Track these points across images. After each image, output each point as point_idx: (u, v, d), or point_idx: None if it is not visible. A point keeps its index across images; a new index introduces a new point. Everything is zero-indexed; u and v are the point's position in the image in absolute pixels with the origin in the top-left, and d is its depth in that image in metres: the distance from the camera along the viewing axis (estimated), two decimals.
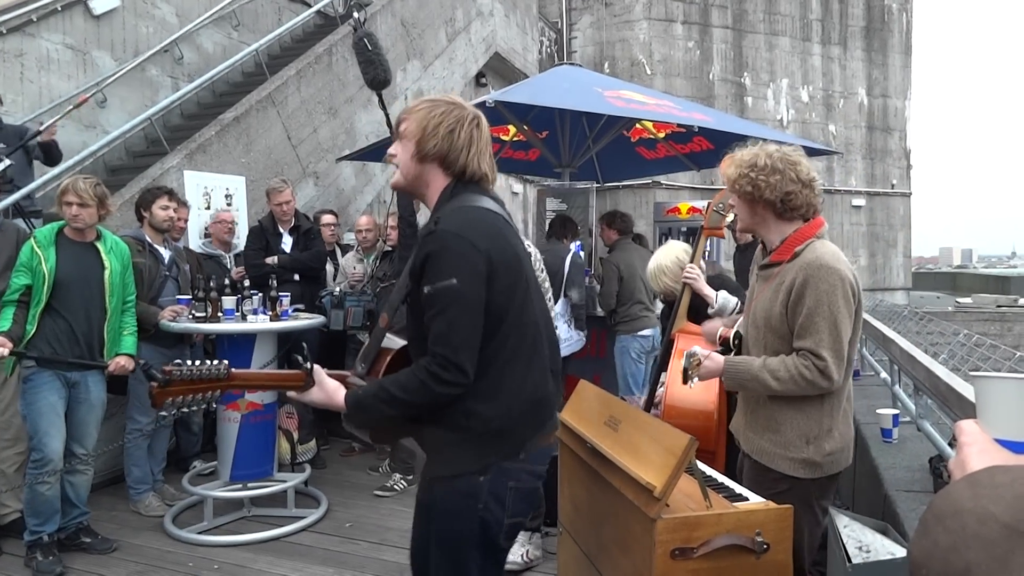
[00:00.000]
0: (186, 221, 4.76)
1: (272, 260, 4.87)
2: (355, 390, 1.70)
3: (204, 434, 4.88)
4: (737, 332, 2.30)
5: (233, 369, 1.66)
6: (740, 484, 2.22)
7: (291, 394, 1.75)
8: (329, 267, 5.51)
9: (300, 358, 1.72)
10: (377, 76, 4.17)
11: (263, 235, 5.00)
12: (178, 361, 1.60)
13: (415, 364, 1.63)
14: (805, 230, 2.06)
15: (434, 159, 1.72)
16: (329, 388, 1.73)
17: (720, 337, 2.37)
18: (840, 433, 2.04)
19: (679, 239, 6.34)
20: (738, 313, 3.04)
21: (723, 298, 3.04)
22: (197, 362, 1.60)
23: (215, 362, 1.63)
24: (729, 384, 2.16)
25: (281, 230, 5.05)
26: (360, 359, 1.83)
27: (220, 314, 3.87)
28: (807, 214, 2.08)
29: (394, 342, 1.84)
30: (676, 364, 2.90)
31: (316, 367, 1.73)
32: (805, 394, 1.99)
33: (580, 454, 2.25)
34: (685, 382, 2.25)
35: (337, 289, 5.00)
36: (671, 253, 3.32)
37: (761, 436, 2.10)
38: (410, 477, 4.49)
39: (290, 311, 4.14)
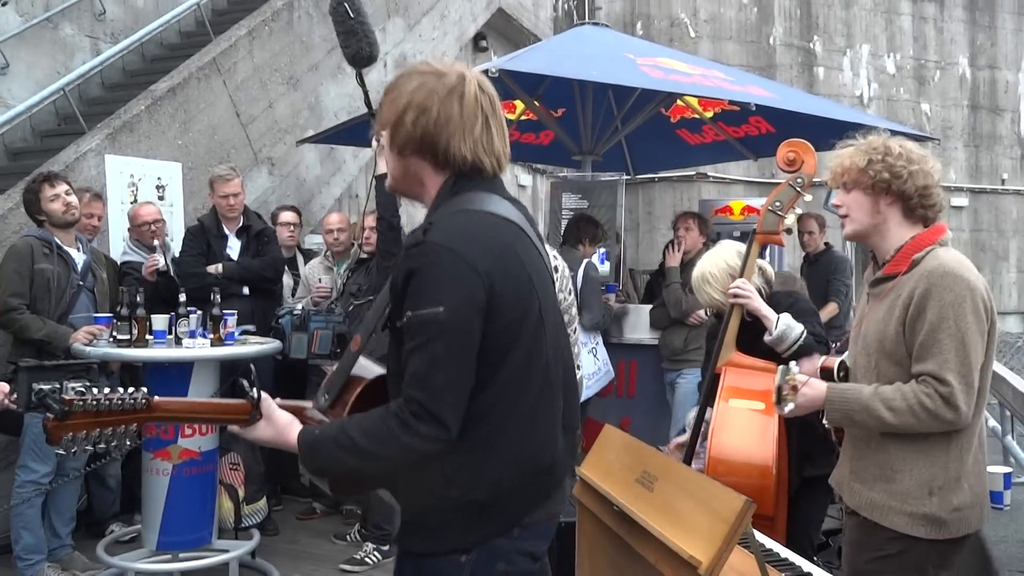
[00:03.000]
0: (100, 219, 4.78)
1: (215, 269, 4.89)
2: (311, 429, 1.69)
3: (124, 489, 4.88)
4: (842, 362, 2.36)
5: (157, 398, 1.66)
6: (809, 558, 2.22)
7: (234, 428, 1.76)
8: (287, 279, 5.53)
9: (246, 383, 1.72)
10: (361, 51, 4.11)
11: (204, 237, 5.02)
12: (81, 388, 1.59)
13: (387, 406, 1.60)
14: (925, 236, 2.16)
15: (413, 151, 1.70)
16: (280, 423, 1.72)
17: (821, 367, 2.42)
18: (970, 485, 2.06)
19: None
20: (810, 341, 3.01)
21: (784, 322, 2.92)
22: (107, 390, 1.60)
23: (132, 390, 1.63)
24: (833, 417, 2.19)
25: (227, 231, 5.08)
26: (324, 388, 1.80)
27: (148, 336, 3.89)
28: (933, 218, 2.21)
29: (368, 370, 1.84)
30: (723, 406, 2.89)
31: (265, 396, 1.73)
32: (927, 430, 2.03)
33: (604, 519, 2.25)
34: (778, 403, 2.27)
35: (299, 307, 5.01)
36: (720, 258, 3.26)
37: (871, 487, 2.14)
38: (386, 547, 4.48)
39: (237, 333, 4.16)
